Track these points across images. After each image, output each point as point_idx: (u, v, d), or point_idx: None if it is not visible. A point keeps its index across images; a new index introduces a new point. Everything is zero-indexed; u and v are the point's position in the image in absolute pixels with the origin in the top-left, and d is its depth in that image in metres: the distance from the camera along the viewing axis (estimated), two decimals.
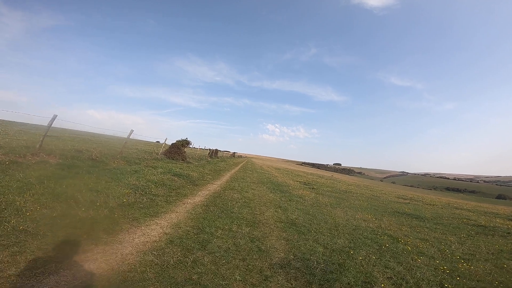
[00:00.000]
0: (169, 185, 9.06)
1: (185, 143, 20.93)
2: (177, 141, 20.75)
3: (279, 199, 10.33)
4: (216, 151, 42.44)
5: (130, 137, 14.35)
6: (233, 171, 21.85)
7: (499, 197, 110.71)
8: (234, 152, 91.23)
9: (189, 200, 7.56)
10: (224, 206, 7.27)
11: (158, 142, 52.87)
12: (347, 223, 7.54)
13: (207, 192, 9.38)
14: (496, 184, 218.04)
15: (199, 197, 8.17)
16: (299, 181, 22.08)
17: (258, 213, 7.18)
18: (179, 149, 19.89)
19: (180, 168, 14.12)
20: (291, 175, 30.13)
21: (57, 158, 9.21)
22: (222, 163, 29.29)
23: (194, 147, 33.95)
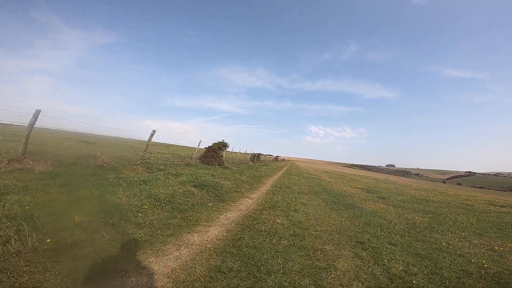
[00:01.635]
0: (179, 202, 6.09)
1: (222, 145, 18.35)
2: (213, 144, 18.30)
3: (350, 223, 6.52)
4: (259, 155, 39.74)
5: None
6: (276, 176, 18.45)
7: None
8: (277, 156, 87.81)
9: (195, 237, 4.23)
10: (255, 253, 3.75)
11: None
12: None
13: (235, 214, 6.08)
14: None
15: (218, 227, 4.90)
16: (359, 188, 17.60)
17: (324, 265, 3.62)
18: (215, 152, 17.34)
19: (211, 175, 11.36)
20: (345, 179, 25.44)
21: (47, 165, 7.09)
22: (264, 167, 26.16)
23: (235, 151, 31.72)
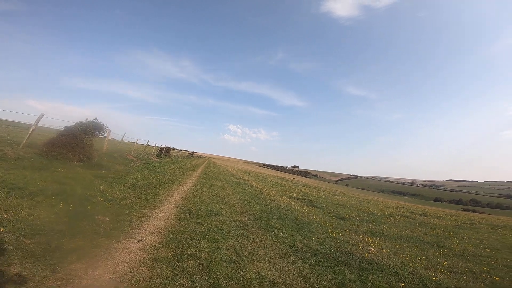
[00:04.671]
0: None
1: (92, 128, 10.79)
2: (76, 124, 10.49)
3: None
4: (168, 149, 31.97)
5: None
6: (188, 182, 12.30)
7: (436, 199, 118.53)
8: (193, 152, 79.70)
9: None
10: None
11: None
12: None
13: None
14: (433, 188, 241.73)
15: None
16: (296, 198, 13.64)
17: None
18: (76, 139, 9.78)
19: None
20: (272, 184, 21.63)
21: None
22: (173, 166, 19.40)
23: (132, 142, 23.47)
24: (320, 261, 4.46)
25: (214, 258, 3.87)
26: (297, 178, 78.28)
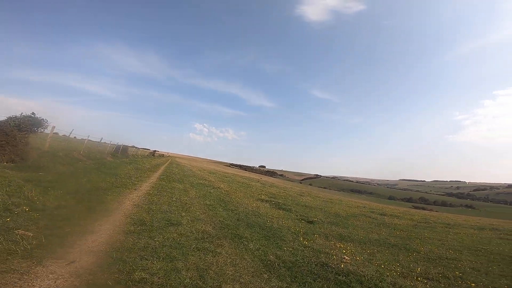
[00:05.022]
0: None
1: (28, 124, 9.12)
2: (8, 118, 8.73)
3: None
4: (125, 147, 29.53)
5: None
6: (145, 185, 11.10)
7: (390, 198, 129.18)
8: (155, 151, 75.32)
9: None
10: None
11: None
12: None
13: None
14: (387, 187, 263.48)
15: None
16: (265, 200, 13.22)
17: None
18: (7, 136, 8.10)
19: None
20: (237, 184, 20.98)
21: None
22: (129, 166, 17.74)
23: (84, 138, 21.03)
24: (296, 277, 3.94)
25: (170, 283, 3.12)
26: (264, 178, 79.10)
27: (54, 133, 14.40)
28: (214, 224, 6.23)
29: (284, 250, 5.15)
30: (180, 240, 4.61)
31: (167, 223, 5.45)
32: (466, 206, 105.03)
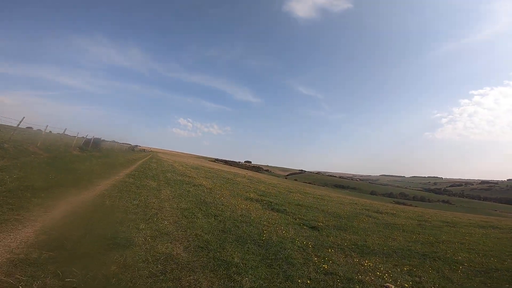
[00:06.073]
0: None
1: None
2: None
3: None
4: (97, 140, 26.64)
5: None
6: (105, 183, 8.83)
7: (372, 193, 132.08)
8: (136, 145, 71.38)
9: None
10: None
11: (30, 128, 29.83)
12: None
13: None
14: (369, 182, 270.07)
15: None
16: (252, 199, 11.32)
17: None
18: None
19: None
20: (222, 180, 18.95)
21: None
22: (96, 161, 15.34)
23: (41, 130, 18.17)
24: None
25: None
26: (250, 173, 77.35)
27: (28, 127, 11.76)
28: (188, 241, 4.24)
29: (299, 285, 3.26)
30: (122, 276, 2.59)
31: (109, 244, 3.41)
32: (443, 201, 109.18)
